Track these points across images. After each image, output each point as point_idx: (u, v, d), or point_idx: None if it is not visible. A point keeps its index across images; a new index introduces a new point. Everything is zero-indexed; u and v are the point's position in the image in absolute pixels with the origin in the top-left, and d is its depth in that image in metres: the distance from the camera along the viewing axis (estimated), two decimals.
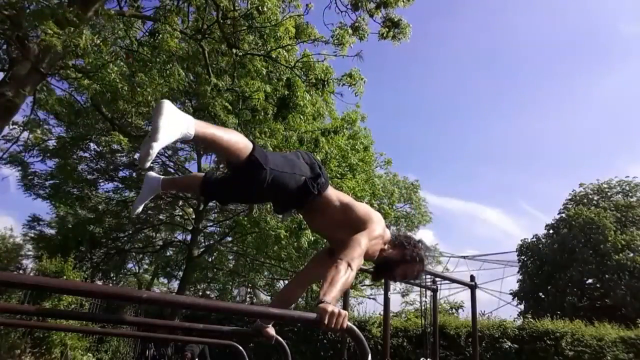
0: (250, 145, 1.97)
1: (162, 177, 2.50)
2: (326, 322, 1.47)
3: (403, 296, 21.38)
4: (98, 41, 5.88)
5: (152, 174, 2.51)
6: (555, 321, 11.76)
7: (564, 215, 23.08)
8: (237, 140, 1.97)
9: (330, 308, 1.49)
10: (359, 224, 2.07)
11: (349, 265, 1.77)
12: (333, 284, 1.65)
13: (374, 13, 7.94)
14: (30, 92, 6.83)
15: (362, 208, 2.18)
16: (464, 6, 51.05)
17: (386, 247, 2.21)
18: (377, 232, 2.08)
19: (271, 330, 2.40)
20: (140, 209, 2.53)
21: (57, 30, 5.09)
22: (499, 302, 26.98)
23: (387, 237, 2.22)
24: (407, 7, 7.85)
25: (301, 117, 9.64)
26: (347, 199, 2.22)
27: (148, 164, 1.68)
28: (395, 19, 7.88)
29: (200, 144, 2.09)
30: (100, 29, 6.35)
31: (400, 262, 2.19)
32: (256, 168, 1.98)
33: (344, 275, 1.71)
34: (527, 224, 54.82)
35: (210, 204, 17.89)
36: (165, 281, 23.40)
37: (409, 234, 2.43)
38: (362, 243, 1.93)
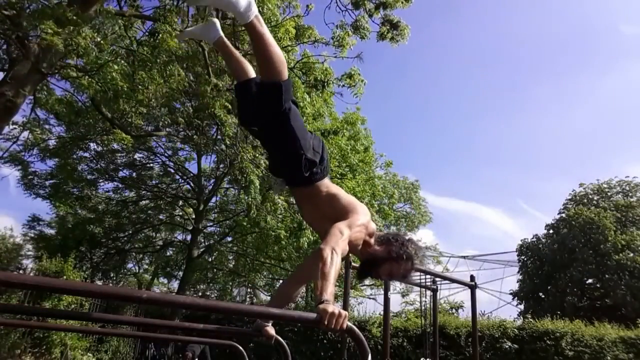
0: (286, 75, 2.01)
1: (223, 35, 2.43)
2: (326, 322, 1.47)
3: (403, 296, 21.35)
4: (98, 39, 5.88)
5: (218, 24, 2.43)
6: (555, 321, 11.76)
7: (564, 215, 23.07)
8: (281, 60, 2.00)
9: (330, 309, 1.48)
10: (343, 214, 2.05)
11: (333, 250, 1.73)
12: (325, 278, 1.63)
13: (373, 13, 7.95)
14: (30, 92, 6.84)
15: (347, 199, 2.17)
16: (463, 6, 51.04)
17: (372, 241, 2.16)
18: (359, 222, 2.03)
19: (271, 329, 2.39)
20: (185, 37, 2.57)
21: (57, 30, 5.09)
22: (499, 302, 26.97)
23: (372, 228, 2.16)
24: (406, 7, 7.85)
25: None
26: (335, 190, 2.21)
27: (196, 4, 1.85)
28: (394, 21, 7.88)
29: (250, 34, 2.05)
30: (100, 26, 6.35)
31: (386, 259, 2.13)
32: (276, 96, 2.00)
33: (331, 264, 1.68)
34: (527, 224, 54.78)
35: (210, 203, 17.92)
36: (165, 281, 23.42)
37: (399, 232, 2.39)
38: (344, 230, 1.89)
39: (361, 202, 2.27)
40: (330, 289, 1.60)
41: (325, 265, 1.67)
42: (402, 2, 7.69)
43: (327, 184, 2.22)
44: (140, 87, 7.36)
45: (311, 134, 2.25)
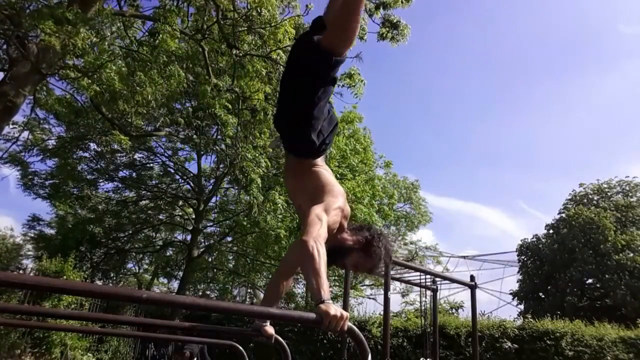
0: (343, 54, 1.93)
1: None
2: (327, 324, 1.46)
3: (403, 296, 21.35)
4: (95, 39, 5.89)
5: None
6: (555, 321, 11.75)
7: (564, 215, 23.08)
8: (350, 38, 1.91)
9: (332, 311, 1.47)
10: (319, 193, 2.03)
11: (316, 242, 1.70)
12: (317, 275, 1.60)
13: (373, 13, 7.96)
14: (31, 92, 6.84)
15: (327, 179, 2.14)
16: (463, 6, 51.03)
17: (346, 225, 2.11)
18: (335, 205, 1.99)
19: (270, 328, 2.38)
20: None
21: (55, 30, 5.09)
22: (499, 302, 27.00)
23: (347, 211, 2.12)
24: (406, 7, 7.87)
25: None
26: (321, 170, 2.18)
27: None
28: (394, 21, 7.90)
29: None
30: (99, 27, 6.36)
31: (355, 250, 2.08)
32: (321, 64, 1.92)
33: (319, 258, 1.65)
34: (526, 224, 54.67)
35: (210, 203, 17.92)
36: (165, 281, 23.43)
37: (373, 225, 2.30)
38: (322, 216, 1.85)
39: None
40: (326, 286, 1.58)
41: (314, 261, 1.63)
42: (402, 2, 7.70)
43: (318, 163, 2.20)
44: (138, 88, 7.36)
45: (328, 113, 2.19)
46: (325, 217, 1.86)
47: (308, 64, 1.99)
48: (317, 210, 1.88)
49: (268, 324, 2.37)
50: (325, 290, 1.57)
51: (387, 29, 7.91)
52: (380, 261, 2.14)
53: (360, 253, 2.08)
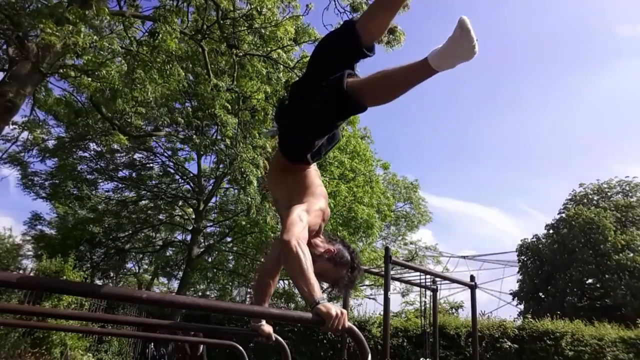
0: (368, 105, 1.80)
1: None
2: (330, 325, 1.46)
3: (403, 296, 21.36)
4: (95, 37, 5.89)
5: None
6: (555, 321, 11.75)
7: (564, 215, 23.08)
8: (385, 102, 1.82)
9: (333, 311, 1.47)
10: (301, 191, 2.00)
11: (298, 241, 1.67)
12: (306, 275, 1.58)
13: None
14: (30, 92, 6.84)
15: (310, 178, 2.11)
16: (459, 6, 51.02)
17: (322, 227, 2.04)
18: (316, 206, 1.95)
19: (267, 327, 2.37)
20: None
21: (55, 29, 5.09)
22: (499, 302, 26.98)
23: (327, 214, 2.08)
24: (402, 14, 7.83)
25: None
26: (308, 168, 2.14)
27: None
28: (391, 26, 7.88)
29: (414, 66, 1.71)
30: (98, 27, 6.36)
31: (323, 258, 2.01)
32: (338, 106, 1.83)
33: (304, 257, 1.62)
34: (526, 224, 54.77)
35: (210, 203, 17.92)
36: (165, 281, 23.43)
37: (346, 241, 2.23)
38: (302, 216, 1.81)
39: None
40: (316, 286, 1.57)
41: (301, 261, 1.60)
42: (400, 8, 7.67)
43: (311, 168, 2.15)
44: (138, 86, 7.36)
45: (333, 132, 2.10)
46: (306, 217, 1.82)
47: (328, 100, 1.83)
48: (298, 210, 1.84)
49: (264, 322, 2.37)
50: (317, 290, 1.55)
51: (384, 34, 7.89)
52: (346, 277, 2.08)
53: (329, 263, 2.03)
